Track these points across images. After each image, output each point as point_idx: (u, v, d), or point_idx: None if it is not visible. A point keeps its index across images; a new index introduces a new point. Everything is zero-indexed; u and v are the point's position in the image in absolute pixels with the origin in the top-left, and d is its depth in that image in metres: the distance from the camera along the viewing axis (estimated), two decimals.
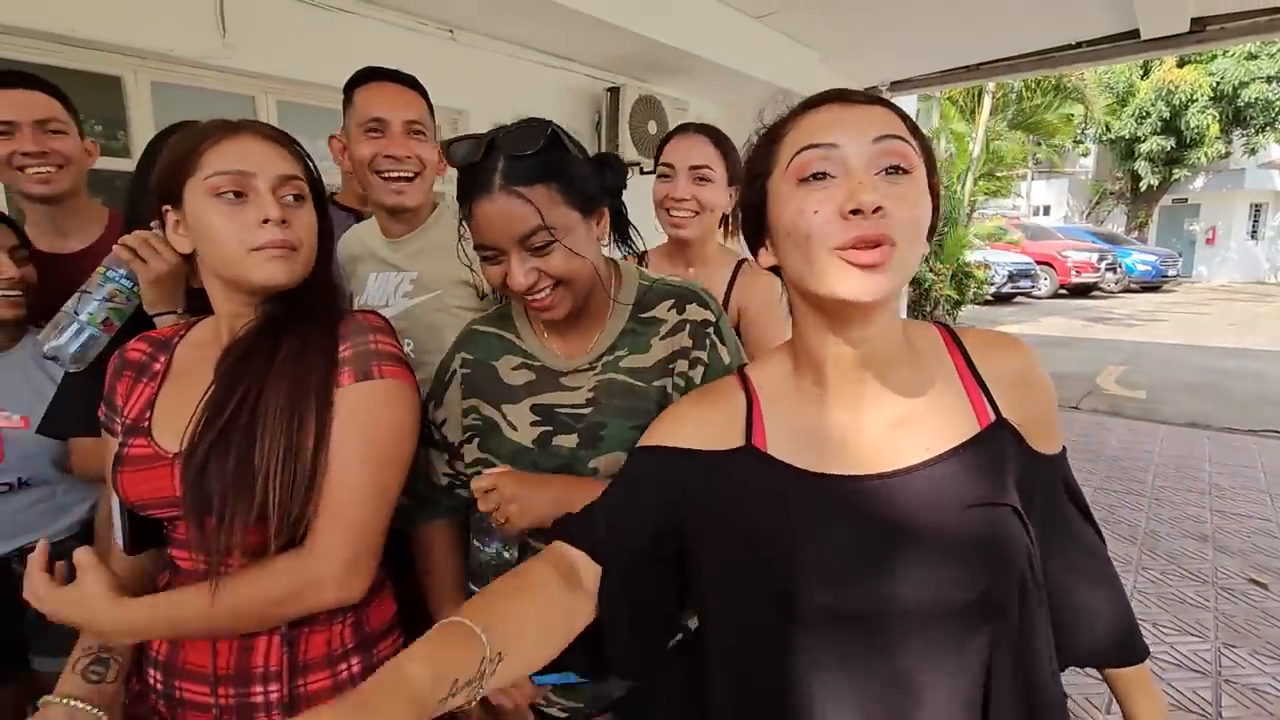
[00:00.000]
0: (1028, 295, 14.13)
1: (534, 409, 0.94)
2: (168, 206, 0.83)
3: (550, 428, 0.93)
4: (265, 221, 0.79)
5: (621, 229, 1.00)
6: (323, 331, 0.84)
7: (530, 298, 0.87)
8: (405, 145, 1.25)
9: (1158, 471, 4.23)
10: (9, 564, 1.24)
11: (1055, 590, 0.71)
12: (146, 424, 0.85)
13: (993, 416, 0.67)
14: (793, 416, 0.70)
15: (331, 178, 1.31)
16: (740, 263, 1.55)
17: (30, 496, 1.25)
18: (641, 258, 1.60)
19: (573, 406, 0.93)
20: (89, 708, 0.78)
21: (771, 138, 0.68)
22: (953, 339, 0.72)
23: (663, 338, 0.94)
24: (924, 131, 0.66)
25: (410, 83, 1.31)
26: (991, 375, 0.69)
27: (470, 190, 0.84)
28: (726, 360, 0.94)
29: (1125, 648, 0.76)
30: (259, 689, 0.81)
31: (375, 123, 1.25)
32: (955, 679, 0.62)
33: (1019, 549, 0.63)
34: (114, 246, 1.05)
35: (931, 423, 0.67)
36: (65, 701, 0.78)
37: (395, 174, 1.26)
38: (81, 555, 0.79)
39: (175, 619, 0.78)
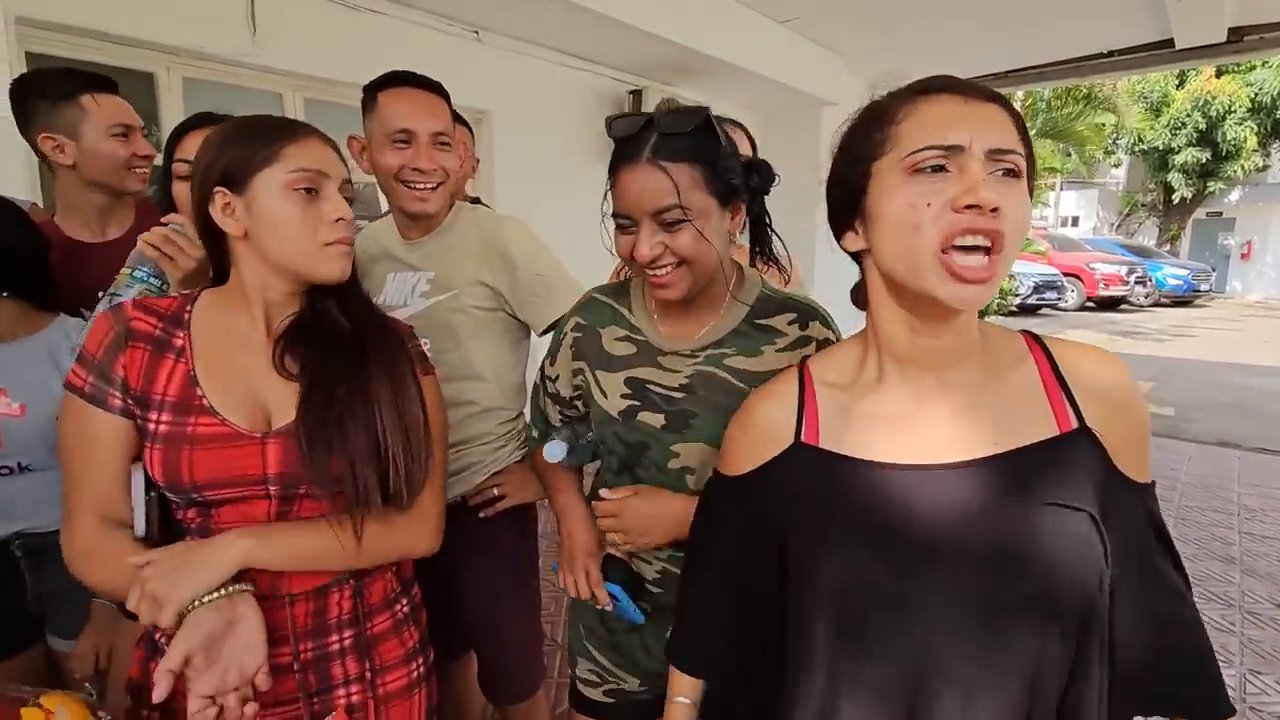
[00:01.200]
0: (1053, 307, 13.86)
1: (627, 381, 0.98)
2: (222, 189, 0.84)
3: (638, 402, 0.97)
4: (338, 220, 0.86)
5: (761, 236, 1.02)
6: (393, 332, 0.95)
7: (651, 272, 0.90)
8: (431, 158, 1.25)
9: (1185, 491, 4.12)
10: (9, 546, 1.26)
11: (1135, 626, 0.65)
12: (205, 402, 0.83)
13: (1075, 423, 0.65)
14: (851, 405, 0.71)
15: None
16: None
17: (31, 480, 1.26)
18: None
19: (665, 388, 0.96)
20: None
21: (880, 118, 0.65)
22: (1037, 343, 0.70)
23: (780, 350, 0.94)
24: (1029, 136, 0.65)
25: (435, 88, 1.29)
26: (1079, 383, 0.66)
27: (619, 159, 0.89)
28: None
29: (1204, 703, 0.67)
30: (335, 638, 0.89)
31: (403, 134, 1.24)
32: (1006, 683, 0.60)
33: (1093, 557, 0.60)
34: (139, 242, 1.06)
35: (999, 419, 0.65)
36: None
37: (421, 184, 1.26)
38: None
39: (322, 550, 0.85)
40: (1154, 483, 0.68)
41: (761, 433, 0.74)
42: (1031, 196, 0.64)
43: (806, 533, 0.68)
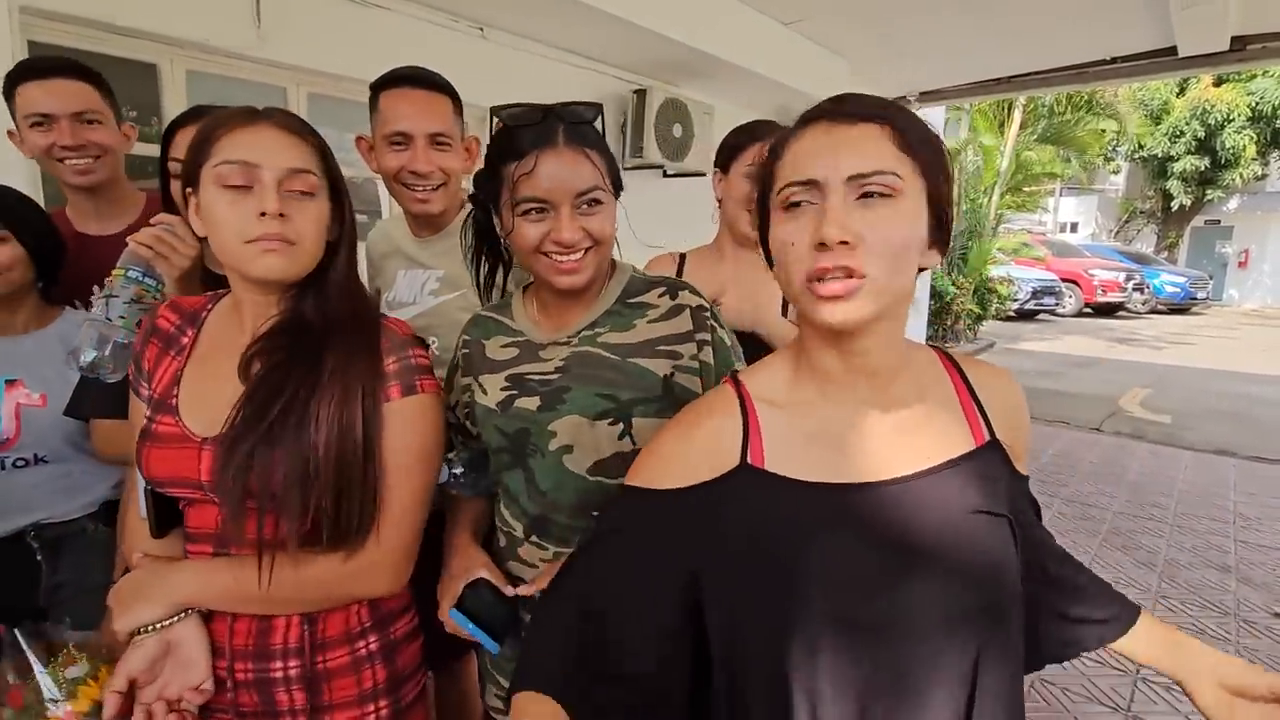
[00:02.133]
0: (1051, 313, 13.91)
1: (508, 377, 0.98)
2: (190, 189, 0.83)
3: (516, 391, 0.97)
4: (262, 215, 0.78)
5: None
6: (367, 344, 0.86)
7: (562, 258, 0.89)
8: (428, 160, 1.24)
9: (1181, 498, 4.13)
10: (24, 537, 1.26)
11: (1058, 585, 0.79)
12: (174, 401, 0.86)
13: (988, 436, 0.72)
14: (793, 425, 0.71)
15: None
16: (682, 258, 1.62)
17: (47, 472, 1.26)
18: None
19: (542, 374, 0.96)
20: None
21: (774, 153, 0.70)
22: (950, 361, 0.76)
23: (651, 321, 0.96)
24: (934, 139, 0.66)
25: (435, 85, 1.27)
26: (989, 400, 0.74)
27: (529, 144, 0.88)
28: (728, 341, 0.97)
29: (1127, 605, 0.81)
30: (278, 664, 0.85)
31: (399, 136, 1.23)
32: (952, 683, 0.65)
33: (1014, 556, 0.68)
34: (129, 243, 1.04)
35: (930, 434, 0.70)
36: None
37: (419, 186, 1.25)
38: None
39: (240, 593, 0.82)
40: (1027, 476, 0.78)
41: (704, 449, 0.71)
42: (944, 204, 0.66)
43: (751, 557, 0.67)
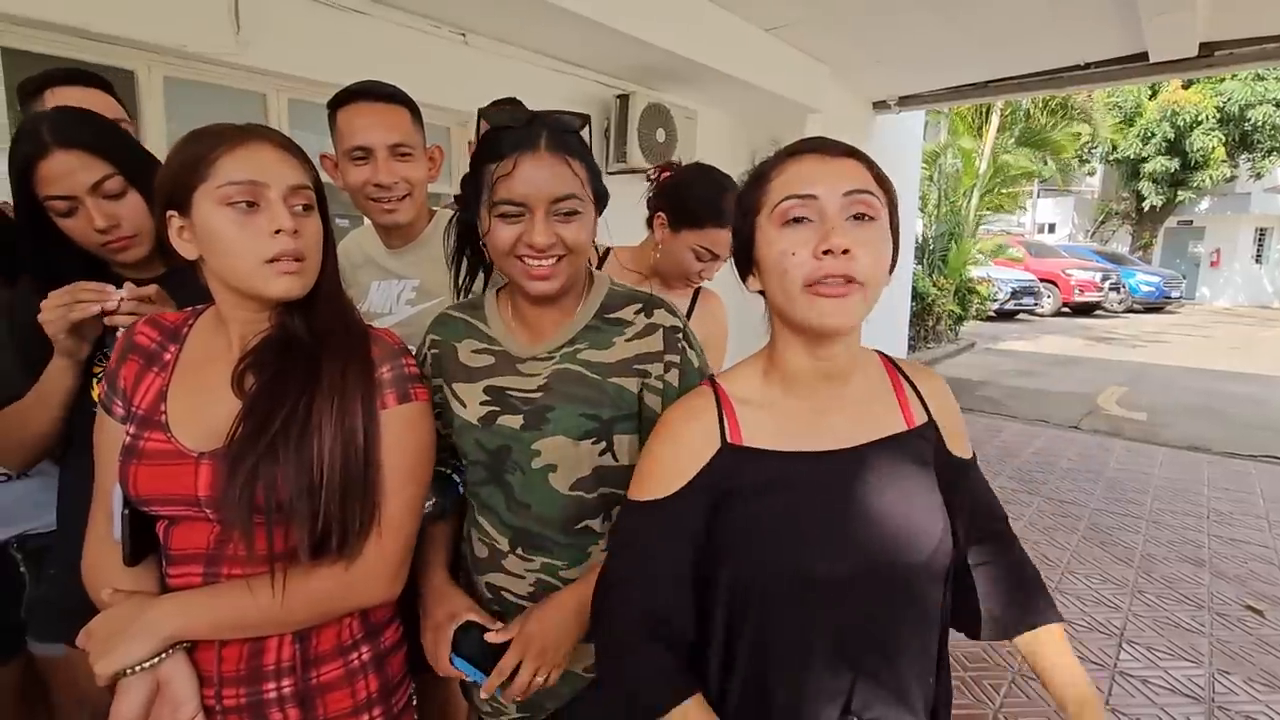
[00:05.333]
0: (1030, 312, 14.12)
1: (486, 390, 0.97)
2: (173, 212, 0.82)
3: (498, 407, 0.96)
4: (278, 232, 0.79)
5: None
6: (359, 354, 0.87)
7: (536, 263, 0.90)
8: (390, 171, 1.23)
9: (1156, 494, 4.22)
10: (7, 549, 1.25)
11: (984, 566, 0.88)
12: (162, 418, 0.84)
13: (924, 418, 0.85)
14: (764, 414, 0.82)
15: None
16: (697, 291, 1.61)
17: (30, 485, 1.25)
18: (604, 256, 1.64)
19: (524, 391, 0.96)
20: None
21: (759, 180, 0.79)
22: (890, 362, 0.89)
23: (628, 339, 0.96)
24: (889, 181, 0.78)
25: (392, 96, 1.26)
26: (926, 391, 0.87)
27: (511, 147, 0.88)
28: (696, 363, 0.98)
29: (1029, 612, 0.88)
30: (271, 685, 0.84)
31: (360, 150, 1.23)
32: (922, 633, 0.79)
33: (945, 538, 0.79)
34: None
35: (874, 419, 0.83)
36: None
37: (384, 198, 1.25)
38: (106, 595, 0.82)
39: (237, 618, 0.80)
40: (975, 455, 0.91)
41: (689, 447, 0.80)
42: (895, 235, 0.77)
43: (739, 522, 0.78)
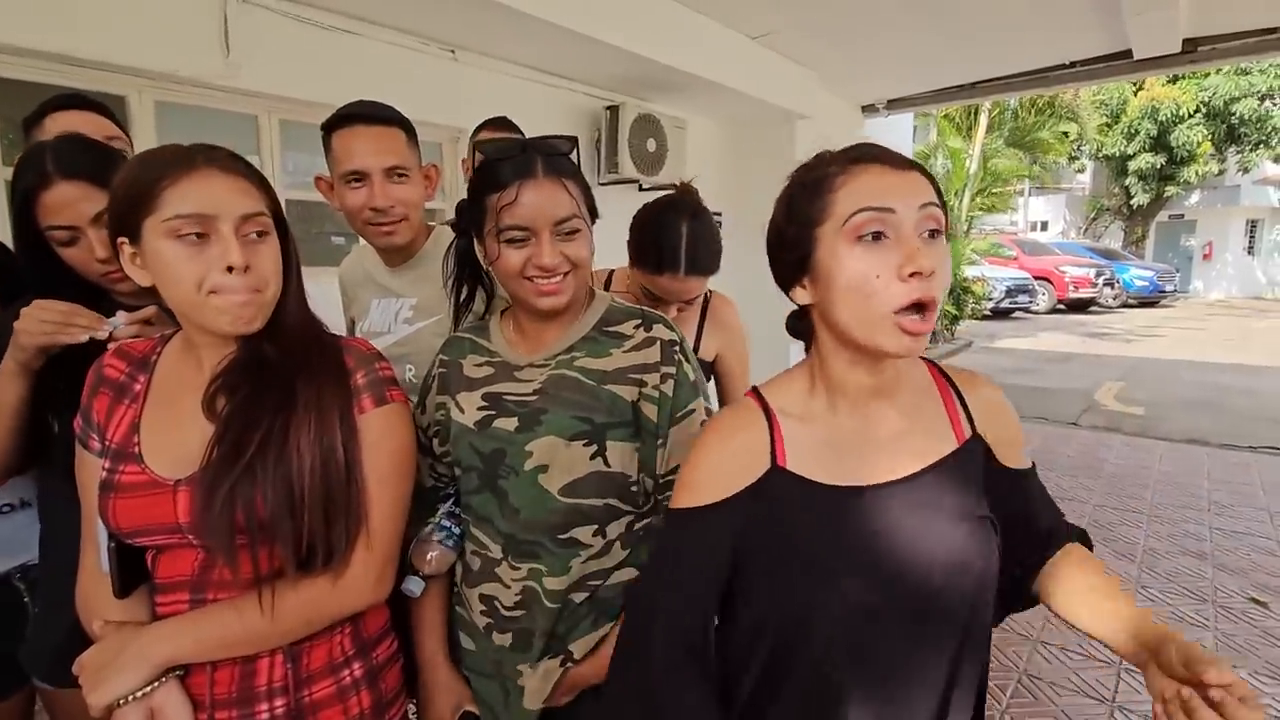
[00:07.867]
0: (1026, 310, 14.16)
1: (484, 396, 1.01)
2: (124, 239, 0.80)
3: (494, 411, 0.99)
4: (229, 269, 0.77)
5: None
6: (332, 366, 0.87)
7: (544, 281, 0.94)
8: (386, 194, 1.23)
9: (1157, 488, 4.22)
10: (10, 580, 1.24)
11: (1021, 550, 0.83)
12: (136, 449, 0.83)
13: (969, 433, 0.81)
14: (810, 433, 0.79)
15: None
16: (706, 302, 1.60)
17: (32, 516, 1.25)
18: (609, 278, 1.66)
19: (520, 395, 0.99)
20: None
21: (819, 189, 0.73)
22: (939, 371, 0.86)
23: (626, 350, 0.99)
24: (943, 194, 0.75)
25: (386, 119, 1.25)
26: (974, 402, 0.83)
27: (510, 176, 0.93)
28: (691, 377, 1.01)
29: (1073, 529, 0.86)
30: (264, 706, 0.83)
31: (356, 174, 1.22)
32: (937, 669, 0.75)
33: (993, 558, 0.76)
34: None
35: (921, 437, 0.79)
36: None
37: (382, 222, 1.25)
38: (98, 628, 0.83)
39: (225, 637, 0.80)
40: (1034, 465, 0.87)
41: (739, 462, 0.78)
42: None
43: (776, 552, 0.75)
